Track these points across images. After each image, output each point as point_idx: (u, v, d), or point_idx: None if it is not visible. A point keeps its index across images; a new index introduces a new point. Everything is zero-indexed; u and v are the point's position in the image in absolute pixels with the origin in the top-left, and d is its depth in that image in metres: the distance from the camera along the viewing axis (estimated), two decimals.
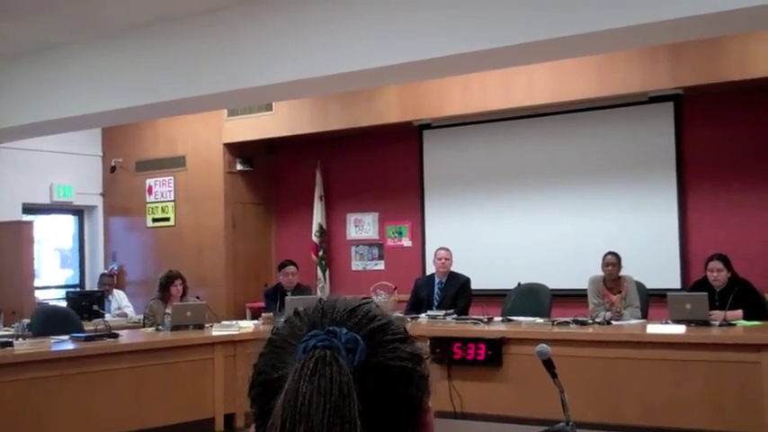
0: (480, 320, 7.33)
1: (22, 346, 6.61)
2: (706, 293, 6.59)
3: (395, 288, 8.58)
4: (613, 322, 6.92)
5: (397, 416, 0.83)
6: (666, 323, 6.59)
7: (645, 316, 7.32)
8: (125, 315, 9.41)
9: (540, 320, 7.27)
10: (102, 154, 11.47)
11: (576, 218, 8.81)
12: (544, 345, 3.42)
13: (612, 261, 7.40)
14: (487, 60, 6.89)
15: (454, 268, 8.26)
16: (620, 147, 8.63)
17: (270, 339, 0.89)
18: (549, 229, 8.94)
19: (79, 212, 11.57)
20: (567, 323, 6.88)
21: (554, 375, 3.38)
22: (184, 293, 8.21)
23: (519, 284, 7.94)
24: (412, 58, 6.62)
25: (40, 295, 10.32)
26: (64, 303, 9.14)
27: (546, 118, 8.94)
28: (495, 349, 6.72)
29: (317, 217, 10.39)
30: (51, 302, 9.71)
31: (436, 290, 8.24)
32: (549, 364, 3.38)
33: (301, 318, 0.88)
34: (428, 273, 8.98)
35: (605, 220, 8.63)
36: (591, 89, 8.26)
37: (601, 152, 8.73)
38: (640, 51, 7.92)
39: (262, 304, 9.00)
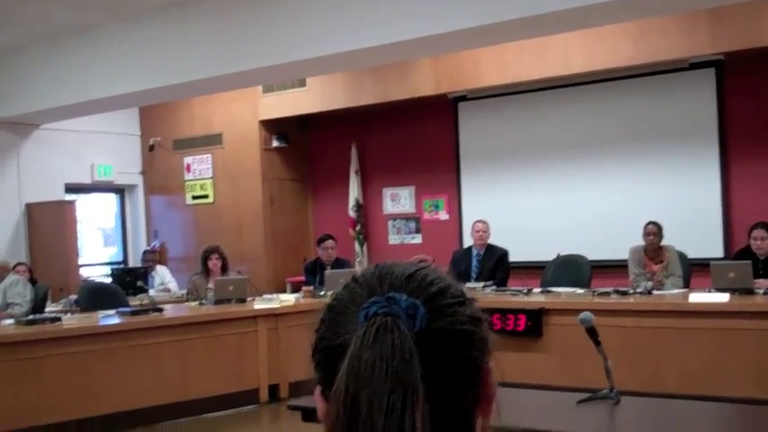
0: (519, 292, 7.33)
1: (71, 321, 6.77)
2: (750, 262, 6.52)
3: (433, 260, 8.58)
4: (655, 292, 6.88)
5: (460, 378, 0.84)
6: (710, 292, 6.53)
7: (687, 285, 7.25)
8: (168, 290, 9.55)
9: (580, 291, 7.25)
10: (140, 133, 11.59)
11: (617, 187, 8.73)
12: (587, 312, 3.42)
13: (653, 230, 7.33)
14: (522, 29, 6.85)
15: (491, 240, 8.25)
16: (661, 115, 8.51)
17: (330, 305, 0.90)
18: (588, 200, 8.88)
19: (120, 191, 11.72)
20: (608, 293, 6.85)
21: (597, 343, 3.38)
22: (224, 268, 8.29)
23: (558, 256, 7.90)
24: (445, 29, 6.60)
25: (84, 273, 10.50)
26: (109, 280, 9.31)
27: (582, 87, 8.84)
28: (535, 320, 6.73)
29: (354, 192, 10.42)
30: (96, 279, 9.88)
31: (474, 262, 8.24)
32: (592, 332, 3.38)
33: (360, 284, 0.89)
34: (465, 245, 8.98)
35: (646, 189, 8.53)
36: (628, 56, 8.14)
37: (640, 121, 8.62)
38: (679, 17, 7.79)
39: (301, 278, 9.08)
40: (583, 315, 3.40)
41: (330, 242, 8.56)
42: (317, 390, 0.88)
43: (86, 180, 11.01)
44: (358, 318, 0.83)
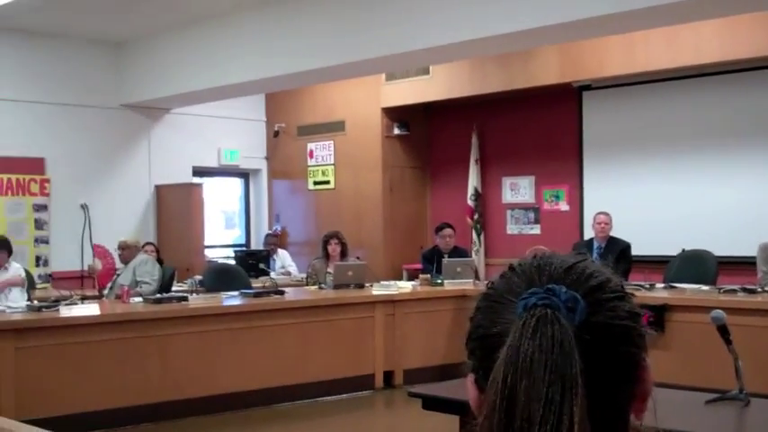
0: (642, 286, 7.17)
1: (197, 301, 7.01)
2: None
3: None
4: None
5: (617, 373, 0.84)
6: None
7: None
8: (289, 273, 9.78)
9: (705, 288, 7.03)
10: (265, 119, 11.89)
11: (746, 181, 8.40)
12: (719, 310, 3.32)
13: None
14: (650, 18, 6.66)
15: (614, 233, 8.09)
16: None
17: (486, 294, 0.90)
18: (714, 193, 8.58)
19: (245, 175, 12.06)
20: (735, 291, 6.63)
21: (728, 342, 3.28)
22: (344, 253, 8.41)
23: (683, 251, 7.69)
24: (570, 17, 6.49)
25: (208, 254, 10.84)
26: (232, 262, 9.59)
27: (715, 77, 8.53)
28: (658, 316, 6.57)
29: (473, 180, 10.39)
30: (221, 261, 10.19)
31: (595, 254, 8.09)
32: (723, 330, 3.29)
33: (518, 274, 0.89)
34: (586, 237, 8.83)
35: None
36: (764, 46, 7.81)
37: None
38: None
39: (418, 266, 9.14)
40: (715, 313, 3.31)
41: (448, 230, 8.58)
42: (470, 377, 0.89)
43: (213, 164, 11.36)
44: (516, 308, 0.83)
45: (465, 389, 0.90)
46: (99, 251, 9.81)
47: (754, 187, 8.33)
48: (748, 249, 7.44)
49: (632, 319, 0.86)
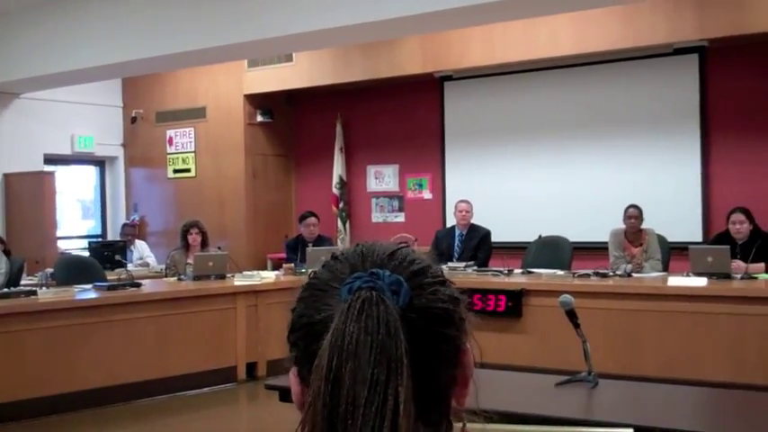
0: (501, 272, 7.34)
1: (46, 295, 6.68)
2: (728, 246, 6.55)
3: (415, 240, 8.59)
4: (634, 275, 6.91)
5: (439, 356, 0.84)
6: (688, 276, 6.57)
7: (666, 269, 7.29)
8: (147, 265, 9.49)
9: (560, 272, 7.27)
10: (122, 105, 11.48)
11: (598, 170, 8.75)
12: (567, 295, 3.42)
13: (634, 214, 7.35)
14: (509, 10, 6.82)
15: (474, 221, 8.25)
16: (644, 99, 8.52)
17: (309, 283, 0.89)
18: (570, 182, 8.90)
19: (100, 163, 11.62)
20: (588, 275, 6.88)
21: (577, 325, 3.38)
22: (205, 244, 8.23)
23: (539, 237, 7.92)
24: (433, 7, 6.55)
25: (62, 245, 10.41)
26: (86, 253, 9.23)
27: (569, 69, 8.84)
28: (516, 301, 6.74)
29: (338, 169, 10.38)
30: (74, 252, 9.79)
31: (457, 242, 8.24)
32: (571, 314, 3.38)
33: (341, 261, 0.89)
34: (449, 225, 8.98)
35: (627, 172, 8.56)
36: (615, 40, 8.14)
37: (624, 104, 8.64)
38: (666, 1, 7.79)
39: (283, 255, 9.05)
40: (563, 297, 3.40)
41: (312, 219, 8.53)
42: (293, 371, 0.87)
43: (66, 151, 10.89)
44: (341, 293, 0.83)
45: (289, 383, 0.86)
46: None
47: (606, 176, 8.70)
48: (601, 235, 7.75)
49: (453, 302, 0.88)
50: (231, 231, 10.32)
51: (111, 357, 6.55)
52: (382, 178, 10.39)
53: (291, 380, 0.87)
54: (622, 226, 7.44)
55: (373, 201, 10.46)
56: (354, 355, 0.77)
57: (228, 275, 7.72)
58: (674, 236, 7.67)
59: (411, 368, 0.78)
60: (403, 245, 0.91)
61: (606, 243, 7.54)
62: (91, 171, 11.65)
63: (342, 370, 0.77)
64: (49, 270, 7.97)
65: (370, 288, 0.81)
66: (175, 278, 7.86)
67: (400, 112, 10.08)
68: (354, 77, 9.63)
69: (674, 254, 7.47)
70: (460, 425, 0.88)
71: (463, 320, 0.88)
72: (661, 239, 7.44)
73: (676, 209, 8.24)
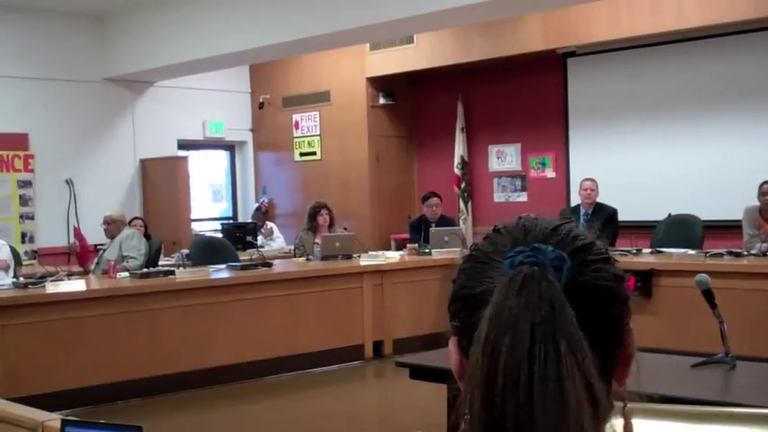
0: (629, 252, 7.19)
1: (183, 275, 6.98)
2: None
3: None
4: None
5: (603, 335, 0.83)
6: None
7: None
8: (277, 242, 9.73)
9: (691, 252, 7.06)
10: (250, 90, 11.80)
11: (730, 145, 8.41)
12: (703, 274, 3.33)
13: None
14: None
15: (600, 199, 8.10)
16: None
17: (470, 255, 0.89)
18: (700, 159, 8.60)
19: (230, 148, 11.99)
20: (721, 254, 6.66)
21: (713, 306, 3.30)
22: (332, 224, 8.40)
23: (669, 215, 7.71)
24: None
25: (195, 227, 10.81)
26: (219, 235, 9.56)
27: (697, 42, 8.52)
28: (645, 281, 6.60)
29: (459, 149, 10.37)
30: (207, 234, 10.14)
31: (582, 221, 8.08)
32: (708, 294, 3.30)
33: (503, 235, 0.88)
34: (573, 204, 8.85)
35: (762, 147, 8.20)
36: (747, 11, 7.79)
37: (756, 77, 8.26)
38: None
39: (406, 235, 9.14)
40: (699, 277, 3.32)
41: (435, 199, 8.58)
42: (453, 341, 0.87)
43: (198, 137, 11.29)
44: (502, 267, 0.82)
45: (448, 354, 0.88)
46: (75, 232, 9.72)
47: (740, 151, 8.35)
48: (734, 213, 7.48)
49: (617, 281, 0.86)
50: (355, 213, 10.48)
51: (244, 335, 6.78)
52: (504, 158, 10.32)
53: (451, 349, 0.88)
54: (756, 203, 7.16)
55: (495, 180, 10.41)
56: (513, 330, 0.77)
57: (354, 256, 7.85)
58: None
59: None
60: (566, 220, 0.90)
61: (740, 221, 7.27)
62: (222, 155, 12.04)
63: (500, 344, 0.77)
64: (185, 251, 8.32)
65: (532, 263, 0.81)
66: (304, 258, 8.05)
67: (522, 91, 9.97)
68: (475, 57, 9.58)
69: None
70: (620, 404, 0.86)
71: (627, 300, 0.86)
72: None
73: None
